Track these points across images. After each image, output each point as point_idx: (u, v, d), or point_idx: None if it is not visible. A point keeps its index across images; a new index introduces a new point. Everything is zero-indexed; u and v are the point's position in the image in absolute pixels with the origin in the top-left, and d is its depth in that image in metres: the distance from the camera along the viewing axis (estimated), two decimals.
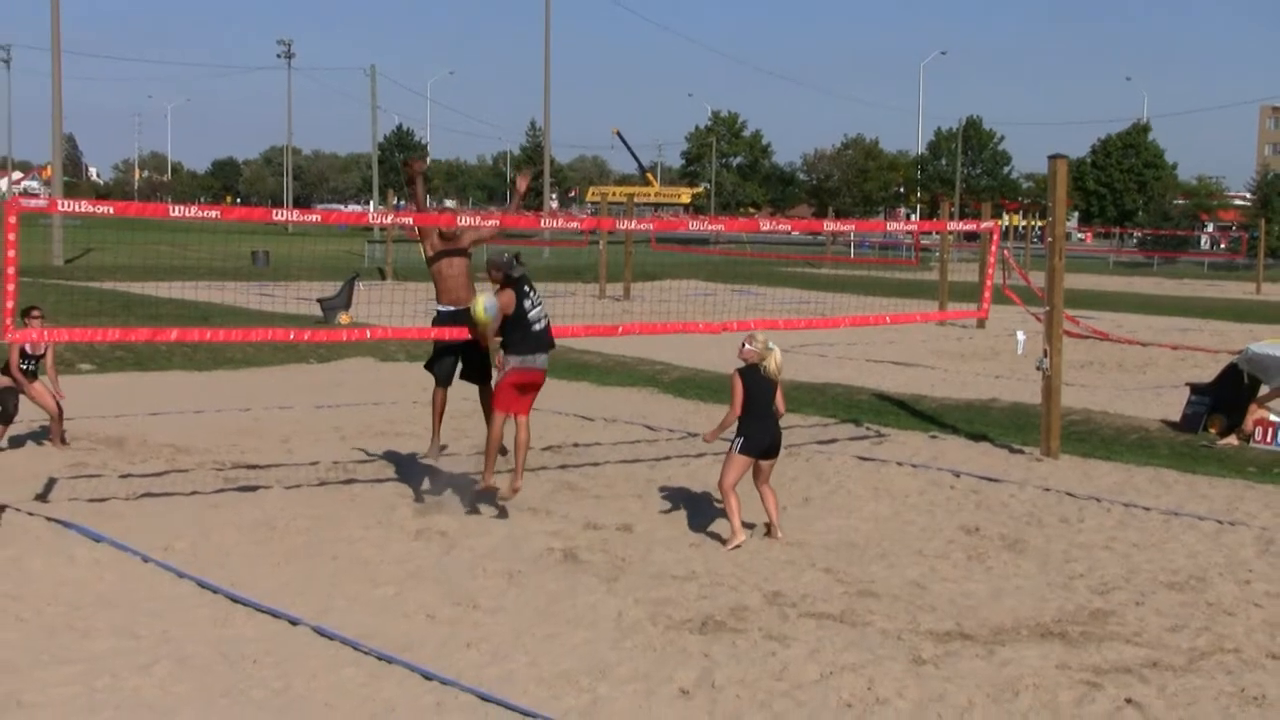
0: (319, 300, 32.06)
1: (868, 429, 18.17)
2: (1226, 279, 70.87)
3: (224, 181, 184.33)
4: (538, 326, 12.48)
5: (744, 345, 11.91)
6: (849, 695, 8.11)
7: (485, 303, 12.32)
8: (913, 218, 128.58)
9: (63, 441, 15.78)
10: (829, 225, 21.63)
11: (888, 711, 7.90)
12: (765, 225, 19.64)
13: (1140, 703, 8.07)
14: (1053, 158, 16.55)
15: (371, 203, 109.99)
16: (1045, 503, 13.74)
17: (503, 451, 13.05)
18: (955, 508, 13.54)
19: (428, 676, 8.22)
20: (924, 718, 7.82)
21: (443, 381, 13.59)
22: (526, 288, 12.51)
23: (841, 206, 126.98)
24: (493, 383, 13.06)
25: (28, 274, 24.91)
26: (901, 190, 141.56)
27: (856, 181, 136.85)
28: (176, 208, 13.73)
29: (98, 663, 8.42)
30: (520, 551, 11.39)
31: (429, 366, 13.81)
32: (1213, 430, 17.20)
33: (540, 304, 12.62)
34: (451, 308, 13.28)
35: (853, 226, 36.62)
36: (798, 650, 8.88)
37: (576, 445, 16.64)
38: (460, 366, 13.53)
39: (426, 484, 13.85)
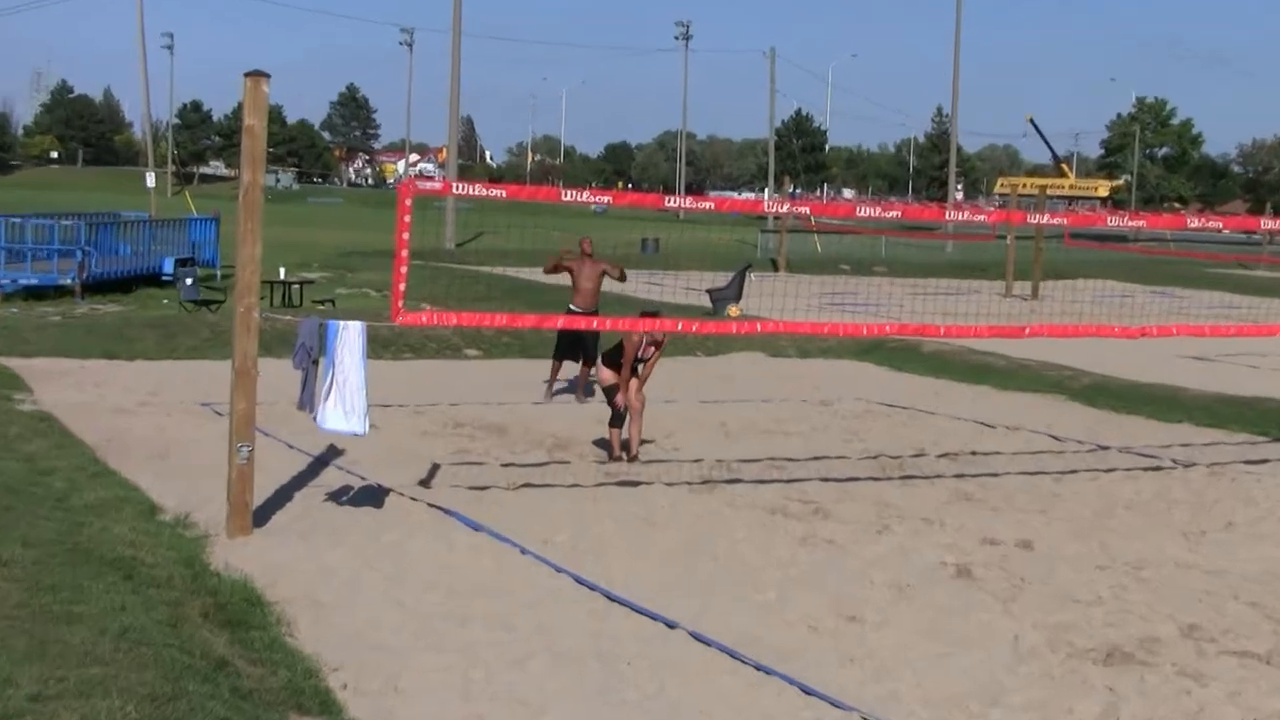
0: (708, 291, 32.43)
1: None
2: None
3: (616, 166, 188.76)
4: None
5: None
6: None
7: None
8: None
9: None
10: (1266, 223, 20.68)
11: None
12: (1193, 222, 18.91)
13: None
14: None
15: (766, 190, 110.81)
16: None
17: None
18: None
19: (807, 691, 8.21)
20: None
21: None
22: None
23: None
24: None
25: (419, 257, 25.99)
26: None
27: None
28: (568, 192, 14.04)
29: (473, 652, 8.73)
30: (911, 563, 11.27)
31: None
32: None
33: None
34: (580, 309, 18.64)
35: None
36: (1216, 691, 8.49)
37: (974, 454, 16.37)
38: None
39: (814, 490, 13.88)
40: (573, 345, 19.05)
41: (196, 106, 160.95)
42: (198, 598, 9.26)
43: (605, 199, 15.19)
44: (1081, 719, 8.01)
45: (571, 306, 19.27)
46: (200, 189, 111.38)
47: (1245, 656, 9.19)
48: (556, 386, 19.67)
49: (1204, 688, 8.53)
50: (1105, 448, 17.05)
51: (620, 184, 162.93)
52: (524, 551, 11.18)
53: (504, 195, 15.00)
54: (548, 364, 19.88)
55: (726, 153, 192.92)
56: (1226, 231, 78.36)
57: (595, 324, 16.16)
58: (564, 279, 20.23)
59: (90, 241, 32.64)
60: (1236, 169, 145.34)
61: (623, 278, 20.03)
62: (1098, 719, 8.01)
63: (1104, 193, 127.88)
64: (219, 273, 36.07)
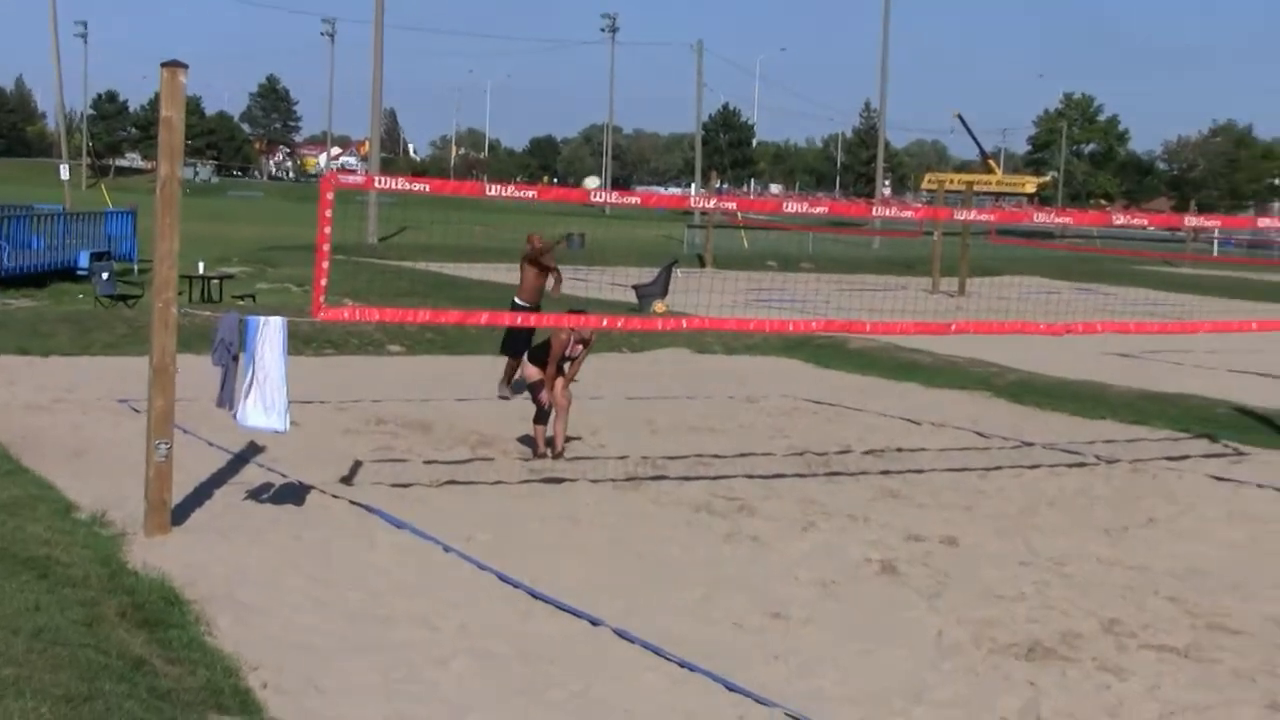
0: (634, 287, 32.52)
1: (1225, 446, 17.56)
2: None
3: (541, 160, 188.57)
4: None
5: None
6: None
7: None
8: None
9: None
10: (1190, 220, 20.99)
11: None
12: (1118, 219, 19.16)
13: None
14: None
15: (693, 186, 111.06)
16: None
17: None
18: None
19: (731, 688, 8.31)
20: None
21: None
22: None
23: (1206, 200, 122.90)
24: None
25: (341, 251, 25.93)
26: (1277, 182, 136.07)
27: (1224, 172, 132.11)
28: (493, 186, 14.11)
29: (396, 652, 8.77)
30: (836, 560, 11.40)
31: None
32: None
33: None
34: (526, 303, 18.96)
35: (1218, 222, 35.43)
36: (1135, 685, 8.66)
37: (900, 450, 16.55)
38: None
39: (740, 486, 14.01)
40: (524, 340, 18.24)
41: (112, 97, 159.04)
42: (114, 597, 9.21)
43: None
44: (1003, 714, 8.14)
45: (516, 300, 19.25)
46: (116, 182, 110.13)
47: (1164, 651, 9.37)
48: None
49: (1124, 682, 8.70)
50: (1030, 444, 17.26)
51: (545, 178, 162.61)
52: (447, 549, 11.22)
53: (427, 190, 15.04)
54: (473, 360, 19.92)
55: (653, 147, 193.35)
56: (1152, 229, 79.63)
57: (521, 320, 16.17)
58: (510, 276, 20.31)
59: (2, 235, 32.27)
60: (1161, 166, 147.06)
61: (559, 280, 19.96)
62: (1019, 713, 8.14)
63: (1031, 189, 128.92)
64: (136, 267, 35.74)
